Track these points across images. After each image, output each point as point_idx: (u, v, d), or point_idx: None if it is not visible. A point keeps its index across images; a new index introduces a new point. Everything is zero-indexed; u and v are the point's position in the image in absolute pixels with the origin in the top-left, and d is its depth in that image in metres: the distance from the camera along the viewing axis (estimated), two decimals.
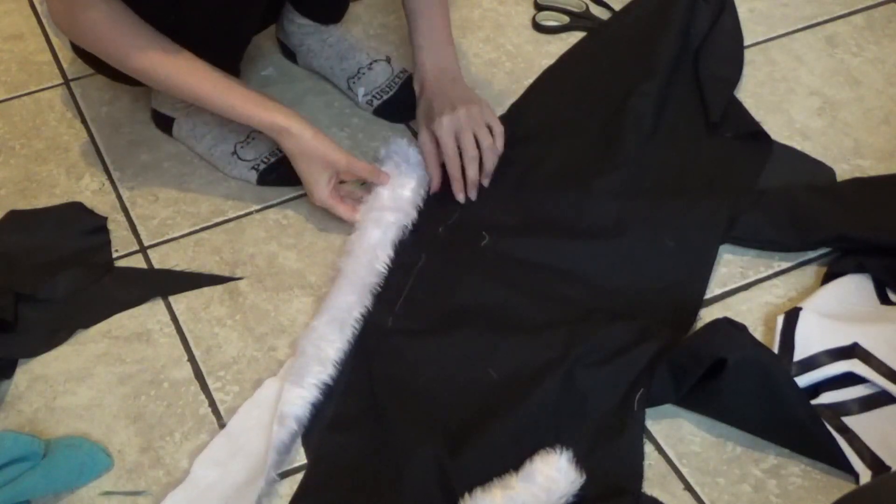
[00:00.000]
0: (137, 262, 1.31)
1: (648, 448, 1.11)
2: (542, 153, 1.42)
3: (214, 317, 1.25)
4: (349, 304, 1.20)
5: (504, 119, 1.47)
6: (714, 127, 1.44)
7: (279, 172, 1.38)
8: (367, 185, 1.33)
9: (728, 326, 1.13)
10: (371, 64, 1.49)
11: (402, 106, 1.47)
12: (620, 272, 1.27)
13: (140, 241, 1.34)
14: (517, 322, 1.21)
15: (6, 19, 1.68)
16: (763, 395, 1.09)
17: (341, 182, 1.31)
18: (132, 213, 1.37)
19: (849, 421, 1.11)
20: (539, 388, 1.12)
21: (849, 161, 1.42)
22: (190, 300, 1.27)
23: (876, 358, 1.14)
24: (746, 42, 1.59)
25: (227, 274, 1.30)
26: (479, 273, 1.27)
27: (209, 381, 1.19)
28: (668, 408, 1.14)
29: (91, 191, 1.40)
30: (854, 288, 1.23)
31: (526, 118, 1.47)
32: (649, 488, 1.08)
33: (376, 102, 1.48)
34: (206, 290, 1.28)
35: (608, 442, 1.09)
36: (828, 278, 1.25)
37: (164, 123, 1.44)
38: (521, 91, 1.52)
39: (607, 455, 1.09)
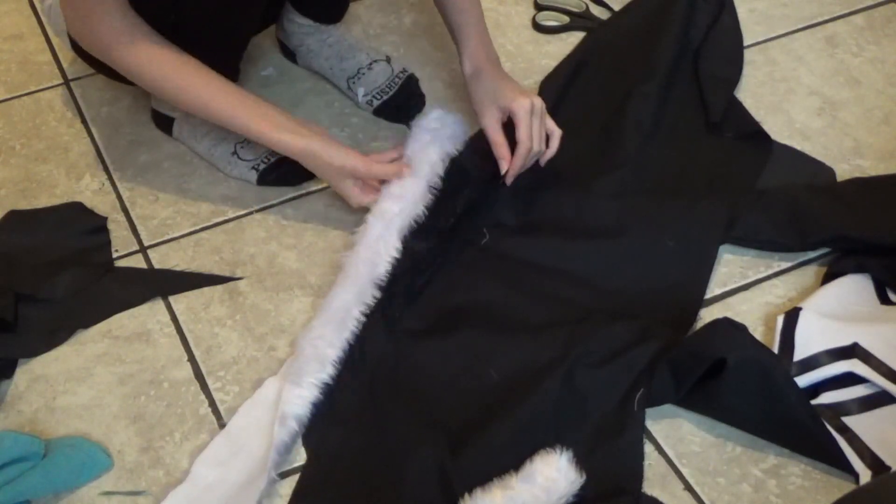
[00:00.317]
0: (137, 262, 1.31)
1: (648, 448, 1.11)
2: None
3: (214, 317, 1.25)
4: (347, 302, 1.20)
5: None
6: (714, 127, 1.44)
7: (279, 172, 1.38)
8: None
9: (728, 326, 1.13)
10: (371, 64, 1.49)
11: (401, 106, 1.47)
12: (620, 272, 1.27)
13: (140, 241, 1.34)
14: (517, 322, 1.21)
15: (6, 19, 1.68)
16: (763, 395, 1.09)
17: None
18: (132, 213, 1.37)
19: (849, 421, 1.11)
20: (539, 388, 1.12)
21: (849, 161, 1.42)
22: (190, 300, 1.27)
23: (876, 358, 1.14)
24: (746, 42, 1.59)
25: (227, 274, 1.30)
26: (479, 273, 1.27)
27: (209, 381, 1.19)
28: (668, 408, 1.14)
29: (91, 191, 1.40)
30: (854, 288, 1.23)
31: None
32: (649, 488, 1.08)
33: (376, 102, 1.48)
34: (206, 290, 1.28)
35: (608, 442, 1.09)
36: (828, 278, 1.25)
37: (164, 123, 1.44)
38: None
39: (607, 455, 1.09)
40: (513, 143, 1.31)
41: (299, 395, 1.13)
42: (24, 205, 1.38)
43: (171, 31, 1.21)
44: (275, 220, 1.36)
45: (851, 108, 1.49)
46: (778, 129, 1.46)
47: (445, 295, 1.24)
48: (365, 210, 1.28)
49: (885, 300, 1.22)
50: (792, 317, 1.18)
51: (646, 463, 1.10)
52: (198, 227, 1.35)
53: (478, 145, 1.42)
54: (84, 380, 1.19)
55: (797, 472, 1.09)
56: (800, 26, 1.63)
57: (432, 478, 1.06)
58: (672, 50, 1.51)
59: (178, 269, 1.30)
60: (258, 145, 1.39)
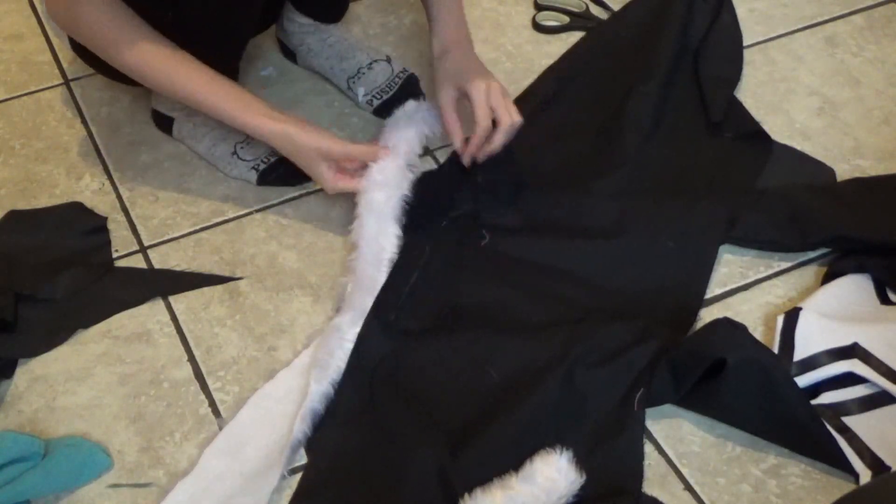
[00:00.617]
0: (137, 262, 1.31)
1: (648, 448, 1.11)
2: (543, 153, 1.42)
3: (214, 317, 1.25)
4: (368, 304, 1.20)
5: None
6: (714, 127, 1.44)
7: (279, 172, 1.38)
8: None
9: (728, 326, 1.13)
10: (371, 64, 1.49)
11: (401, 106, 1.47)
12: (620, 272, 1.27)
13: (140, 241, 1.34)
14: (517, 322, 1.21)
15: (6, 19, 1.68)
16: (763, 395, 1.09)
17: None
18: (132, 213, 1.37)
19: (849, 421, 1.11)
20: (539, 388, 1.12)
21: (849, 161, 1.42)
22: (190, 300, 1.27)
23: (876, 358, 1.14)
24: (746, 42, 1.59)
25: (227, 274, 1.30)
26: (479, 273, 1.27)
27: (209, 381, 1.19)
28: (668, 408, 1.14)
29: (91, 191, 1.40)
30: (854, 288, 1.23)
31: (526, 118, 1.47)
32: (649, 488, 1.08)
33: (376, 102, 1.48)
34: (206, 290, 1.28)
35: (608, 442, 1.09)
36: (828, 278, 1.25)
37: (164, 123, 1.44)
38: (521, 91, 1.52)
39: (607, 455, 1.09)
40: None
41: (325, 393, 1.13)
42: (24, 205, 1.38)
43: (169, 29, 1.21)
44: (275, 220, 1.36)
45: (851, 108, 1.49)
46: (778, 129, 1.46)
47: (445, 295, 1.24)
48: (351, 203, 1.28)
49: (885, 300, 1.22)
50: (792, 317, 1.18)
51: (646, 463, 1.10)
52: (198, 227, 1.35)
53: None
54: (84, 380, 1.19)
55: (797, 472, 1.09)
56: (800, 26, 1.63)
57: (432, 478, 1.06)
58: (672, 50, 1.51)
59: (178, 269, 1.30)
60: (258, 145, 1.39)
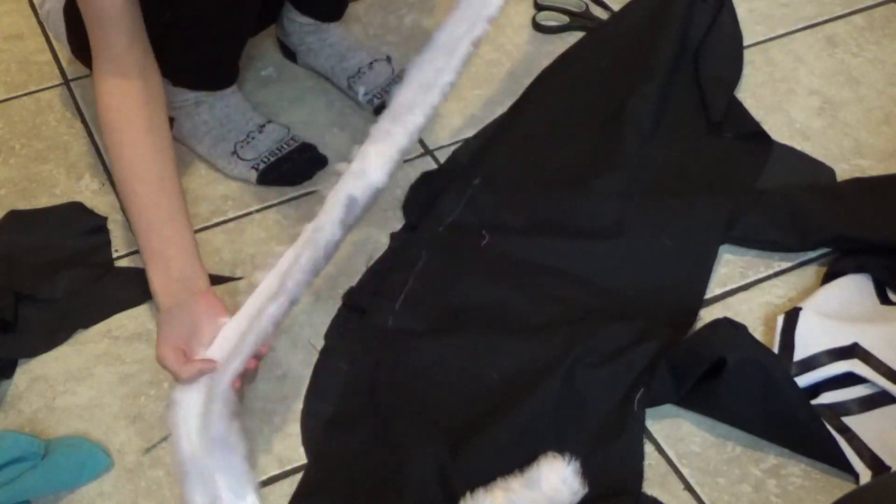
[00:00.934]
0: (137, 262, 1.31)
1: (648, 448, 1.11)
2: (543, 153, 1.42)
3: None
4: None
5: (504, 119, 1.48)
6: (714, 127, 1.44)
7: (279, 172, 1.38)
8: None
9: (728, 326, 1.13)
10: (372, 63, 1.50)
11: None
12: (620, 272, 1.27)
13: None
14: (517, 322, 1.21)
15: (6, 19, 1.68)
16: (763, 395, 1.09)
17: None
18: None
19: (849, 421, 1.11)
20: (539, 389, 1.12)
21: (849, 161, 1.42)
22: None
23: (876, 358, 1.14)
24: (746, 42, 1.59)
25: (227, 274, 1.29)
26: (479, 273, 1.27)
27: None
28: (668, 408, 1.14)
29: (91, 191, 1.40)
30: (854, 288, 1.23)
31: (526, 118, 1.47)
32: (649, 488, 1.08)
33: (377, 101, 1.48)
34: None
35: (608, 442, 1.09)
36: (828, 278, 1.25)
37: None
38: (521, 91, 1.52)
39: (607, 455, 1.09)
40: None
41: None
42: (24, 205, 1.38)
43: (167, 29, 1.21)
44: (275, 220, 1.36)
45: (851, 108, 1.49)
46: (778, 129, 1.46)
47: (445, 295, 1.24)
48: None
49: (885, 300, 1.22)
50: (792, 317, 1.18)
51: (646, 463, 1.10)
52: (198, 227, 1.35)
53: (472, 148, 1.43)
54: (84, 380, 1.19)
55: (797, 472, 1.09)
56: (800, 26, 1.63)
57: (432, 478, 1.06)
58: (672, 50, 1.51)
59: None
60: (258, 145, 1.39)
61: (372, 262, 1.29)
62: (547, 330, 1.19)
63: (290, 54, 1.56)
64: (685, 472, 1.10)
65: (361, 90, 1.49)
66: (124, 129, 1.12)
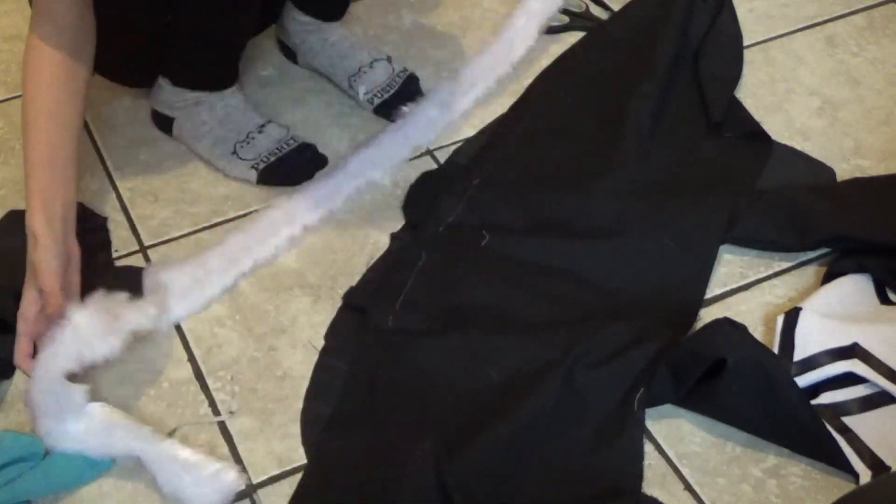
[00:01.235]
0: (137, 262, 1.31)
1: (648, 448, 1.11)
2: (543, 153, 1.42)
3: (214, 317, 1.25)
4: None
5: (504, 119, 1.48)
6: (714, 127, 1.44)
7: (279, 172, 1.38)
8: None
9: (728, 326, 1.13)
10: (372, 63, 1.50)
11: (402, 105, 1.47)
12: (620, 272, 1.27)
13: (140, 241, 1.34)
14: (517, 322, 1.21)
15: (6, 19, 1.68)
16: (763, 395, 1.09)
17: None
18: (132, 213, 1.37)
19: (849, 421, 1.11)
20: (539, 388, 1.12)
21: (849, 161, 1.42)
22: None
23: (876, 358, 1.14)
24: (746, 42, 1.59)
25: None
26: (479, 273, 1.27)
27: (209, 381, 1.19)
28: (668, 408, 1.14)
29: (91, 191, 1.40)
30: (854, 288, 1.23)
31: (526, 118, 1.47)
32: (649, 488, 1.08)
33: (377, 101, 1.48)
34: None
35: (608, 442, 1.09)
36: (828, 278, 1.25)
37: (164, 123, 1.44)
38: (521, 91, 1.52)
39: (607, 455, 1.09)
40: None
41: None
42: (24, 205, 1.37)
43: (166, 30, 1.21)
44: None
45: (851, 108, 1.49)
46: (778, 129, 1.45)
47: (445, 295, 1.24)
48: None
49: (885, 300, 1.22)
50: (792, 317, 1.18)
51: (646, 463, 1.10)
52: (198, 227, 1.35)
53: (471, 148, 1.43)
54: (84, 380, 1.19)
55: (797, 472, 1.09)
56: (800, 26, 1.63)
57: (432, 478, 1.06)
58: (671, 50, 1.51)
59: None
60: (258, 145, 1.39)
61: (372, 262, 1.30)
62: (547, 330, 1.19)
63: (290, 54, 1.56)
64: (685, 472, 1.10)
65: (362, 90, 1.49)
66: (44, 70, 1.17)
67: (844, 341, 1.16)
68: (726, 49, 1.55)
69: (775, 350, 1.16)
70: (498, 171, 1.38)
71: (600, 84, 1.51)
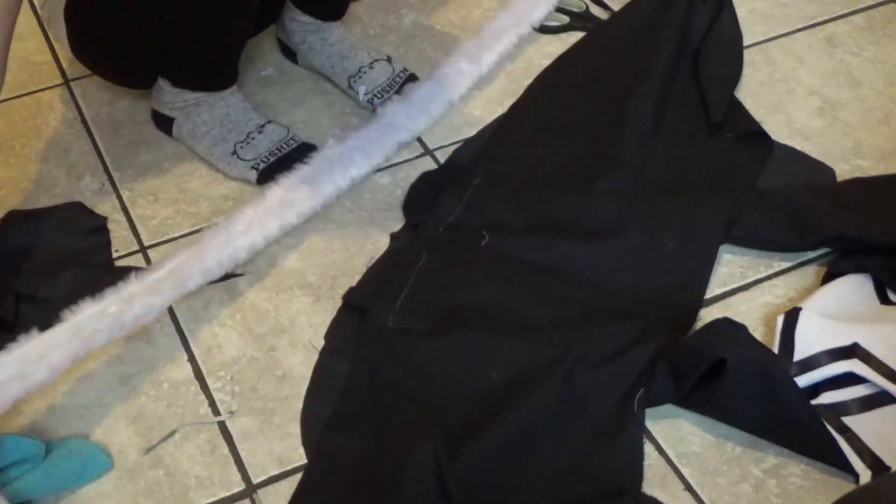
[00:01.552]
0: (137, 262, 1.31)
1: (648, 448, 1.11)
2: (543, 153, 1.42)
3: (214, 317, 1.25)
4: None
5: (504, 119, 1.48)
6: (714, 127, 1.44)
7: (279, 172, 1.38)
8: None
9: (728, 326, 1.13)
10: (372, 63, 1.50)
11: None
12: (620, 272, 1.27)
13: (140, 241, 1.34)
14: (517, 322, 1.21)
15: None
16: (763, 395, 1.09)
17: None
18: (132, 213, 1.37)
19: (849, 421, 1.11)
20: (539, 389, 1.12)
21: (849, 161, 1.42)
22: (190, 300, 1.27)
23: (876, 358, 1.14)
24: (746, 42, 1.59)
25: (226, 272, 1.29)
26: (479, 273, 1.27)
27: (209, 381, 1.19)
28: (668, 408, 1.14)
29: (91, 191, 1.40)
30: (854, 288, 1.23)
31: (526, 118, 1.47)
32: (649, 488, 1.08)
33: (377, 101, 1.48)
34: (206, 289, 1.28)
35: (608, 442, 1.10)
36: (828, 278, 1.25)
37: (164, 123, 1.44)
38: (521, 91, 1.52)
39: (607, 455, 1.09)
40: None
41: None
42: (23, 205, 1.38)
43: (166, 30, 1.21)
44: None
45: (851, 108, 1.49)
46: (778, 129, 1.46)
47: (445, 295, 1.24)
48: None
49: (885, 300, 1.22)
50: (792, 317, 1.18)
51: (646, 463, 1.10)
52: (198, 227, 1.35)
53: (470, 148, 1.43)
54: (84, 380, 1.19)
55: (797, 472, 1.09)
56: (800, 26, 1.63)
57: (432, 478, 1.06)
58: (671, 50, 1.51)
59: None
60: (258, 145, 1.39)
61: (372, 262, 1.30)
62: (547, 330, 1.19)
63: (290, 54, 1.56)
64: (685, 472, 1.10)
65: (362, 90, 1.49)
66: None
67: (844, 341, 1.16)
68: (726, 49, 1.55)
69: (775, 350, 1.16)
70: (498, 171, 1.38)
71: (600, 84, 1.51)
